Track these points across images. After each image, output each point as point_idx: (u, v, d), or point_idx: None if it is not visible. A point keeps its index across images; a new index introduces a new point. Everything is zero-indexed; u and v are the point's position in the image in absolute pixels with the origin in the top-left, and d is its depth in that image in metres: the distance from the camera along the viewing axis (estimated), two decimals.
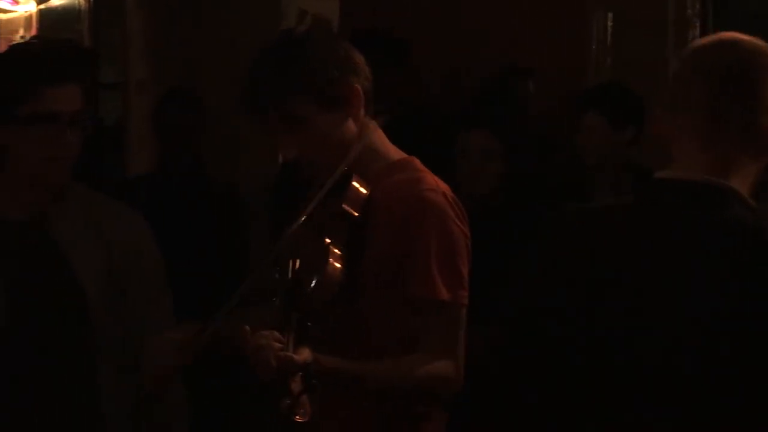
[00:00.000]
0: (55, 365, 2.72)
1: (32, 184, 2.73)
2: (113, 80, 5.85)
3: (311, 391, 2.27)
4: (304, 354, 2.30)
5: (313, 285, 2.39)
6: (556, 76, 6.10)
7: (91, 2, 6.32)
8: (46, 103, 2.65)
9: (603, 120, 4.38)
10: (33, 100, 2.65)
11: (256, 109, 2.58)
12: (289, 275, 2.51)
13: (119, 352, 2.75)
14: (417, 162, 2.64)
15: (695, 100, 2.07)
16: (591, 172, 4.41)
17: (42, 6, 6.32)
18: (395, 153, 2.66)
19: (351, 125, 2.59)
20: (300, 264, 2.51)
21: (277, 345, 2.30)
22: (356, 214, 2.50)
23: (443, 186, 2.59)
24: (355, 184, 2.52)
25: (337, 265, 2.42)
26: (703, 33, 5.81)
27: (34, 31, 6.23)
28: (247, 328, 2.35)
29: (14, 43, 4.48)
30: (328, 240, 2.46)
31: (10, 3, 6.27)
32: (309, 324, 2.38)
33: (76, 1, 6.36)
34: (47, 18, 6.32)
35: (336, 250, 2.44)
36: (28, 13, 6.31)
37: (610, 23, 5.95)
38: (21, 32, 6.23)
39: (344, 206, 2.49)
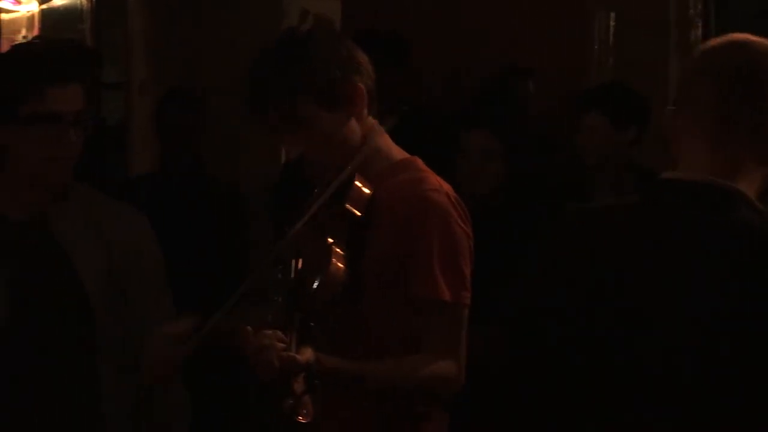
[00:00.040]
0: (55, 365, 2.72)
1: (33, 184, 2.73)
2: (115, 80, 5.85)
3: (313, 391, 2.27)
4: (307, 354, 2.30)
5: (316, 285, 2.39)
6: (556, 76, 6.10)
7: (93, 2, 6.33)
8: (48, 103, 2.65)
9: (605, 120, 4.36)
10: (35, 100, 2.65)
11: (258, 109, 2.58)
12: (292, 275, 2.50)
13: (119, 352, 2.75)
14: (420, 162, 2.63)
15: (704, 101, 2.05)
16: (591, 172, 4.40)
17: (44, 6, 6.31)
18: (398, 153, 2.65)
19: (354, 125, 2.58)
20: (303, 264, 2.50)
21: (280, 345, 2.30)
22: (359, 214, 2.50)
23: (446, 186, 2.58)
24: (358, 183, 2.52)
25: (340, 265, 2.42)
26: (705, 33, 5.82)
27: (36, 31, 6.22)
28: (249, 328, 2.35)
29: (16, 43, 4.47)
30: (330, 240, 2.45)
31: (12, 3, 6.26)
32: (311, 324, 2.38)
33: (78, 1, 6.37)
34: (49, 18, 6.32)
35: (339, 250, 2.44)
36: (30, 13, 6.30)
37: (612, 23, 5.95)
38: (23, 32, 6.22)
39: (347, 206, 2.49)
